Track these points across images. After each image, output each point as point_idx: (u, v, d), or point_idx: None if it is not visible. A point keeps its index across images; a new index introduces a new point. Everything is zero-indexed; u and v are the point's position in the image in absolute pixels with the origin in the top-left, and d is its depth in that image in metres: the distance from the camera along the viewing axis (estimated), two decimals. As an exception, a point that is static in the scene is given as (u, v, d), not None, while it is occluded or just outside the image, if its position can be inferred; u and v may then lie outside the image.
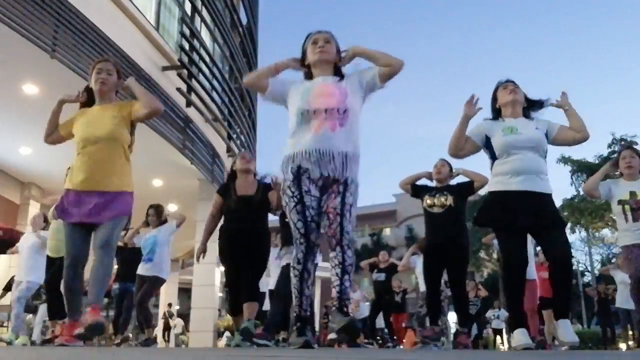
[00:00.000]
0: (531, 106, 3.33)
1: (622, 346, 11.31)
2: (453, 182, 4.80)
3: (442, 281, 5.02)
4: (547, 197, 3.12)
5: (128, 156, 3.13)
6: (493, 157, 3.21)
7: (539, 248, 7.02)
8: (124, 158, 3.09)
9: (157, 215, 5.95)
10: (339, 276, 2.55)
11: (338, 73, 2.82)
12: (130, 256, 6.10)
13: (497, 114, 3.33)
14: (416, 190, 4.79)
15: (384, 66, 2.70)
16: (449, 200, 4.53)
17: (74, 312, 3.03)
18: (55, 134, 3.25)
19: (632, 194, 4.08)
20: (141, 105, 3.10)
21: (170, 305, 16.63)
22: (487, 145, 3.24)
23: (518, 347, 2.99)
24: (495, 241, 6.76)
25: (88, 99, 3.23)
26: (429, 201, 4.63)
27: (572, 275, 3.24)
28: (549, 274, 3.16)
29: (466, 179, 4.69)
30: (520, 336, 3.01)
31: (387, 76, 2.72)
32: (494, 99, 3.37)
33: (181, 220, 5.98)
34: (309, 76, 2.84)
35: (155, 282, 5.76)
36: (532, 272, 6.04)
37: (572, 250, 3.25)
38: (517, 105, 3.25)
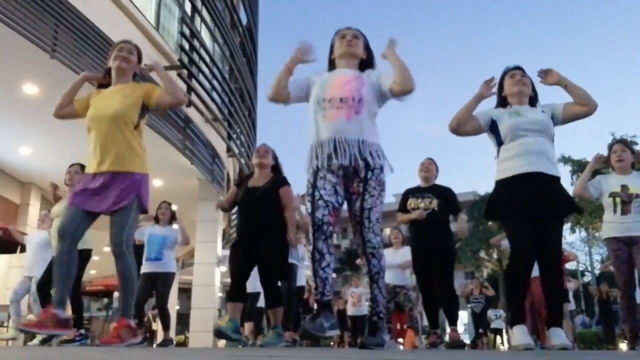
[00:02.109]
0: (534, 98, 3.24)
1: (623, 346, 11.30)
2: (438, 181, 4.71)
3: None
4: (555, 180, 3.00)
5: (136, 136, 2.98)
6: (499, 143, 3.11)
7: None
8: (131, 137, 2.94)
9: (170, 212, 5.85)
10: (369, 285, 2.63)
11: (363, 69, 2.85)
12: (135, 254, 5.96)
13: (502, 102, 3.23)
14: (404, 209, 4.63)
15: (397, 81, 2.67)
16: (433, 204, 4.45)
17: (57, 292, 2.80)
18: (68, 107, 3.10)
19: (624, 187, 4.05)
20: (167, 93, 3.02)
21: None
22: (493, 130, 3.13)
23: (519, 347, 2.88)
24: (504, 241, 6.67)
25: (106, 81, 3.18)
26: (412, 204, 4.52)
27: (562, 280, 3.09)
28: (541, 278, 3.04)
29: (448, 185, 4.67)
30: (521, 335, 2.91)
31: (397, 93, 2.70)
32: (500, 87, 3.26)
33: (186, 240, 5.86)
34: (332, 69, 2.88)
35: (169, 279, 5.69)
36: (535, 268, 5.93)
37: (564, 248, 3.10)
38: (523, 97, 3.16)
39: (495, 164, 3.16)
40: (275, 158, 4.18)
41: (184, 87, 8.85)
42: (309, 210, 2.62)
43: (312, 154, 2.69)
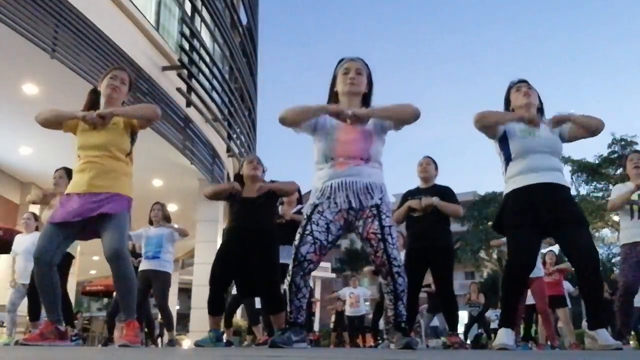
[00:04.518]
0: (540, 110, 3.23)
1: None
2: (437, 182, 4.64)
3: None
4: (565, 190, 3.02)
5: (127, 163, 3.07)
6: (507, 159, 3.11)
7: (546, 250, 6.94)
8: (122, 164, 3.03)
9: (162, 212, 5.91)
10: (392, 302, 2.64)
11: (365, 103, 2.83)
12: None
13: None
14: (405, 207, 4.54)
15: (400, 122, 2.70)
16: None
17: (48, 312, 2.95)
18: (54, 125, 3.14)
19: None
20: (139, 121, 3.09)
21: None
22: (503, 143, 3.13)
23: (495, 347, 2.93)
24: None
25: (93, 104, 3.16)
26: (412, 205, 4.46)
27: (602, 282, 3.07)
28: (579, 281, 3.03)
29: (447, 184, 4.59)
30: (504, 336, 2.95)
31: (402, 126, 2.74)
32: (507, 101, 3.26)
33: (184, 234, 5.94)
34: (335, 102, 2.85)
35: (167, 278, 5.74)
36: (540, 268, 5.90)
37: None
38: (531, 108, 3.15)
39: (503, 179, 3.17)
40: (263, 171, 4.23)
41: (183, 87, 8.86)
42: (296, 243, 2.61)
43: (317, 193, 2.68)
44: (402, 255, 6.13)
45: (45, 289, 2.92)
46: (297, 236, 2.62)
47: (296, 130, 2.76)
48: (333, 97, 2.88)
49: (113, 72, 3.14)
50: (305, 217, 2.67)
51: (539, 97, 3.24)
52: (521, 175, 3.02)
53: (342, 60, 2.87)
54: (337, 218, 2.64)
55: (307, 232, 2.59)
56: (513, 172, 3.08)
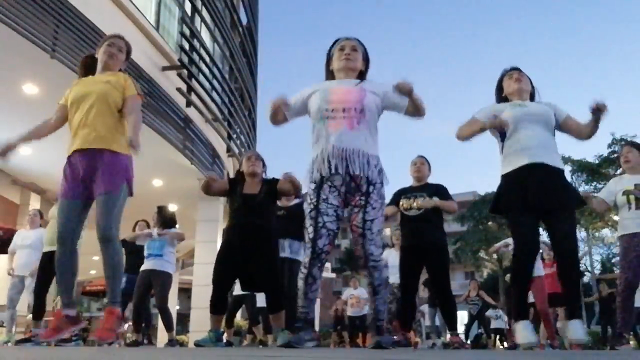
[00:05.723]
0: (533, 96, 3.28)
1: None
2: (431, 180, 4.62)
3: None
4: (558, 172, 3.03)
5: (120, 119, 2.97)
6: (503, 137, 3.14)
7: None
8: (115, 118, 2.94)
9: (158, 214, 5.92)
10: (371, 295, 2.70)
11: (362, 80, 2.86)
12: (135, 246, 5.98)
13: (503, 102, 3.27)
14: (396, 202, 4.52)
15: (416, 113, 2.81)
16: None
17: (64, 295, 2.93)
18: (57, 121, 3.11)
19: (638, 185, 4.06)
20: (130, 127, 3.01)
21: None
22: None
23: (524, 346, 2.91)
24: (502, 242, 6.67)
25: (88, 68, 3.15)
26: (405, 204, 4.45)
27: (579, 270, 3.14)
28: (557, 268, 3.08)
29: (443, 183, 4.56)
30: (525, 332, 2.93)
31: (411, 115, 2.82)
32: (499, 88, 3.30)
33: (180, 238, 5.95)
34: (330, 79, 2.90)
35: (168, 278, 5.74)
36: (539, 268, 5.92)
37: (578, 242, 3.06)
38: (523, 93, 3.21)
39: (500, 160, 3.18)
40: (264, 165, 4.19)
41: (183, 87, 8.86)
42: (311, 235, 2.63)
43: (315, 165, 2.70)
44: (395, 253, 6.03)
45: (64, 269, 2.90)
46: (311, 229, 2.64)
47: (290, 120, 2.88)
48: (329, 75, 2.92)
49: (110, 40, 3.13)
50: (311, 205, 2.68)
51: (531, 82, 3.27)
52: (515, 154, 3.04)
53: (337, 40, 2.91)
54: (340, 202, 2.69)
55: (320, 225, 2.63)
56: (508, 151, 3.09)
